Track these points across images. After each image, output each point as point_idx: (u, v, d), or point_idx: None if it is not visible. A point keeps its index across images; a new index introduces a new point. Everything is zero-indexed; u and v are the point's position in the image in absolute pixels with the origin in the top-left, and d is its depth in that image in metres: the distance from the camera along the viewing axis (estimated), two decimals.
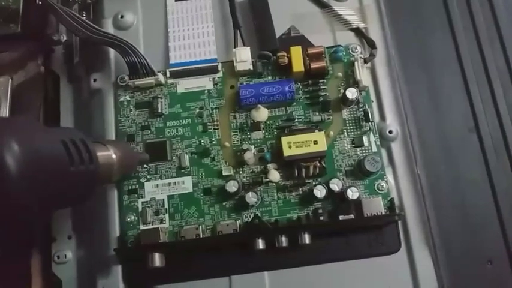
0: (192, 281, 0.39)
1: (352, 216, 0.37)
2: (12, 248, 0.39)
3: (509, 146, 0.42)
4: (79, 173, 0.29)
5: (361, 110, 0.41)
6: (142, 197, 0.40)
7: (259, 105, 0.40)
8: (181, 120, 0.41)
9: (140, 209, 0.39)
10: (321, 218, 0.38)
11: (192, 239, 0.38)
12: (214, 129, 0.41)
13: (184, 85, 0.42)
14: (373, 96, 0.42)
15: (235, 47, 0.42)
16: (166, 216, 0.39)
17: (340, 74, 0.42)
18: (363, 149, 0.40)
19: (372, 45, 0.43)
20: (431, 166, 0.42)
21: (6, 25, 0.46)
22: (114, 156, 0.34)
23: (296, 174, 0.39)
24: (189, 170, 0.40)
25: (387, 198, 0.39)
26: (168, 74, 0.42)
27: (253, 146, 0.40)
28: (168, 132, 0.41)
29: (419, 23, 0.46)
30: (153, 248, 0.37)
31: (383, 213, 0.37)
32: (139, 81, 0.41)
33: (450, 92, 0.44)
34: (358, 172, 0.39)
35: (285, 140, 0.38)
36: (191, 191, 0.40)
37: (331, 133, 0.40)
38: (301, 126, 0.40)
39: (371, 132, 0.40)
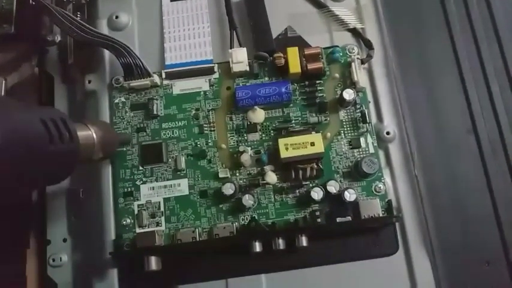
0: (189, 284, 0.38)
1: (349, 218, 0.37)
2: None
3: (507, 147, 0.42)
4: (58, 151, 0.30)
5: (358, 111, 0.40)
6: (138, 200, 0.39)
7: (256, 107, 0.40)
8: (177, 122, 0.41)
9: (136, 211, 0.39)
10: (318, 220, 0.38)
11: (188, 242, 0.37)
12: (211, 131, 0.41)
13: (180, 86, 0.42)
14: (370, 97, 0.42)
15: (231, 48, 0.42)
16: (163, 219, 0.39)
17: (337, 75, 0.41)
18: (360, 150, 0.40)
19: (369, 45, 0.43)
20: (428, 167, 0.41)
21: (0, 26, 0.45)
22: (94, 135, 0.35)
23: (293, 176, 0.38)
24: (185, 172, 0.40)
25: (385, 200, 0.38)
26: (163, 75, 0.42)
27: (249, 148, 0.40)
28: (164, 134, 0.41)
29: (416, 24, 0.46)
30: (149, 251, 0.37)
31: (380, 215, 0.37)
32: (134, 83, 0.41)
33: (448, 93, 0.44)
34: (356, 174, 0.39)
35: (282, 141, 0.38)
36: (187, 193, 0.39)
37: (328, 134, 0.40)
38: (298, 127, 0.40)
39: (368, 134, 0.40)
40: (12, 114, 0.27)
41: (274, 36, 0.43)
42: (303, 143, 0.38)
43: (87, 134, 0.34)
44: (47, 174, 0.31)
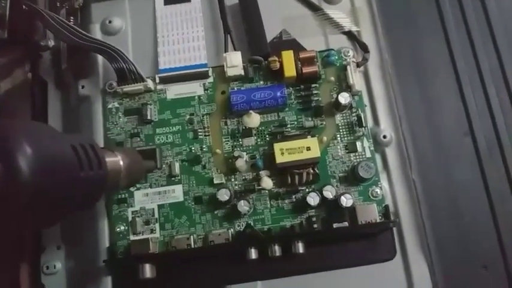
0: None
1: (346, 223, 0.37)
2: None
3: (504, 149, 0.42)
4: (88, 178, 0.29)
5: (354, 114, 0.40)
6: (132, 207, 0.39)
7: (251, 111, 0.40)
8: (171, 127, 0.41)
9: (130, 218, 0.39)
10: (315, 226, 0.37)
11: (183, 249, 0.37)
12: (205, 135, 0.40)
13: (174, 91, 0.42)
14: (366, 101, 0.41)
15: (225, 52, 0.42)
16: (157, 226, 0.38)
17: (332, 79, 0.41)
18: (356, 154, 0.39)
19: (364, 48, 0.42)
20: (425, 171, 0.41)
21: None
22: (121, 162, 0.34)
23: (289, 181, 0.38)
24: (179, 178, 0.39)
25: (382, 204, 0.38)
26: (157, 80, 0.42)
27: (245, 153, 0.40)
28: (158, 140, 0.40)
29: (412, 26, 0.46)
30: (144, 259, 0.36)
31: (378, 220, 0.37)
32: (127, 88, 0.41)
33: (444, 96, 0.44)
34: (352, 178, 0.39)
35: (277, 146, 0.37)
36: (182, 199, 0.39)
37: (324, 139, 0.40)
38: (294, 132, 0.40)
39: (365, 138, 0.40)
40: (45, 141, 0.27)
41: (268, 39, 0.43)
42: (299, 148, 0.37)
43: (115, 160, 0.34)
44: (76, 201, 0.30)
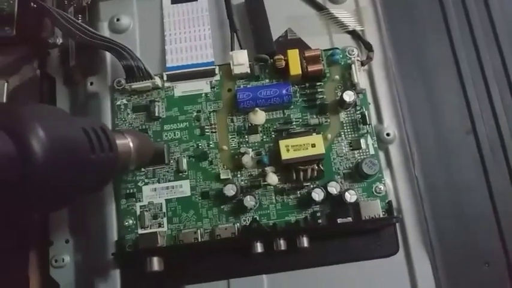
0: (191, 285, 0.39)
1: (350, 219, 0.38)
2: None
3: (506, 148, 0.42)
4: (100, 160, 0.30)
5: (358, 112, 0.41)
6: (140, 201, 0.39)
7: (257, 109, 0.40)
8: (178, 124, 0.41)
9: (138, 213, 0.39)
10: (319, 221, 0.38)
11: (190, 243, 0.38)
12: (212, 132, 0.41)
13: (181, 88, 0.42)
14: (370, 99, 0.42)
15: (232, 50, 0.42)
16: (165, 220, 0.39)
17: (337, 77, 0.42)
18: (360, 151, 0.40)
19: (369, 47, 0.43)
20: (428, 168, 0.42)
21: (2, 29, 0.45)
22: (131, 144, 0.35)
23: (294, 177, 0.39)
24: (186, 173, 0.40)
25: (385, 200, 0.39)
26: (165, 77, 0.42)
27: (251, 149, 0.40)
28: (166, 136, 0.41)
29: (416, 26, 0.46)
30: (152, 252, 0.37)
31: (381, 215, 0.38)
32: (136, 85, 0.41)
33: (447, 94, 0.44)
34: (356, 175, 0.39)
35: (282, 143, 0.38)
36: (189, 194, 0.39)
37: (329, 136, 0.40)
38: (299, 129, 0.40)
39: (368, 135, 0.40)
40: (57, 123, 0.28)
41: (274, 38, 0.43)
42: (304, 145, 0.38)
43: (125, 142, 0.35)
44: (88, 183, 0.31)
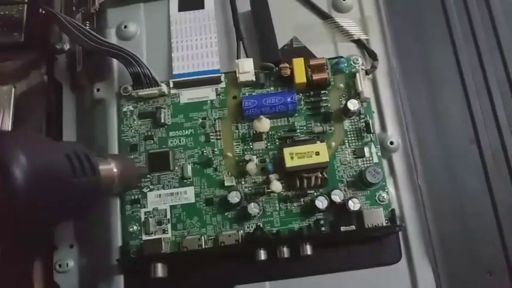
0: None
1: (353, 227, 0.38)
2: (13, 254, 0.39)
3: (509, 157, 0.42)
4: (81, 184, 0.30)
5: (362, 121, 0.41)
6: (144, 207, 0.40)
7: (262, 116, 0.41)
8: (184, 131, 0.42)
9: (143, 219, 0.39)
10: (323, 229, 0.38)
11: (194, 250, 0.38)
12: (217, 139, 0.41)
13: (187, 95, 0.43)
14: (374, 108, 0.42)
15: (238, 58, 0.43)
16: (169, 226, 0.39)
17: (341, 85, 0.42)
18: (364, 160, 0.40)
19: (373, 56, 0.43)
20: (431, 177, 0.42)
21: (10, 34, 0.46)
22: (115, 169, 0.36)
23: (298, 185, 0.39)
24: (191, 180, 0.40)
25: (388, 209, 0.39)
26: (171, 85, 0.43)
27: (255, 157, 0.40)
28: (171, 143, 0.41)
29: (420, 35, 0.46)
30: (156, 259, 0.37)
31: (384, 224, 0.38)
32: (142, 92, 0.42)
33: (451, 103, 0.44)
34: (360, 183, 0.39)
35: (287, 150, 0.38)
36: (193, 201, 0.40)
37: (333, 144, 0.40)
38: (303, 137, 0.41)
39: (372, 143, 0.40)
40: (39, 148, 0.28)
41: (280, 46, 0.44)
42: (308, 152, 0.38)
43: (108, 167, 0.35)
44: (71, 208, 0.31)
